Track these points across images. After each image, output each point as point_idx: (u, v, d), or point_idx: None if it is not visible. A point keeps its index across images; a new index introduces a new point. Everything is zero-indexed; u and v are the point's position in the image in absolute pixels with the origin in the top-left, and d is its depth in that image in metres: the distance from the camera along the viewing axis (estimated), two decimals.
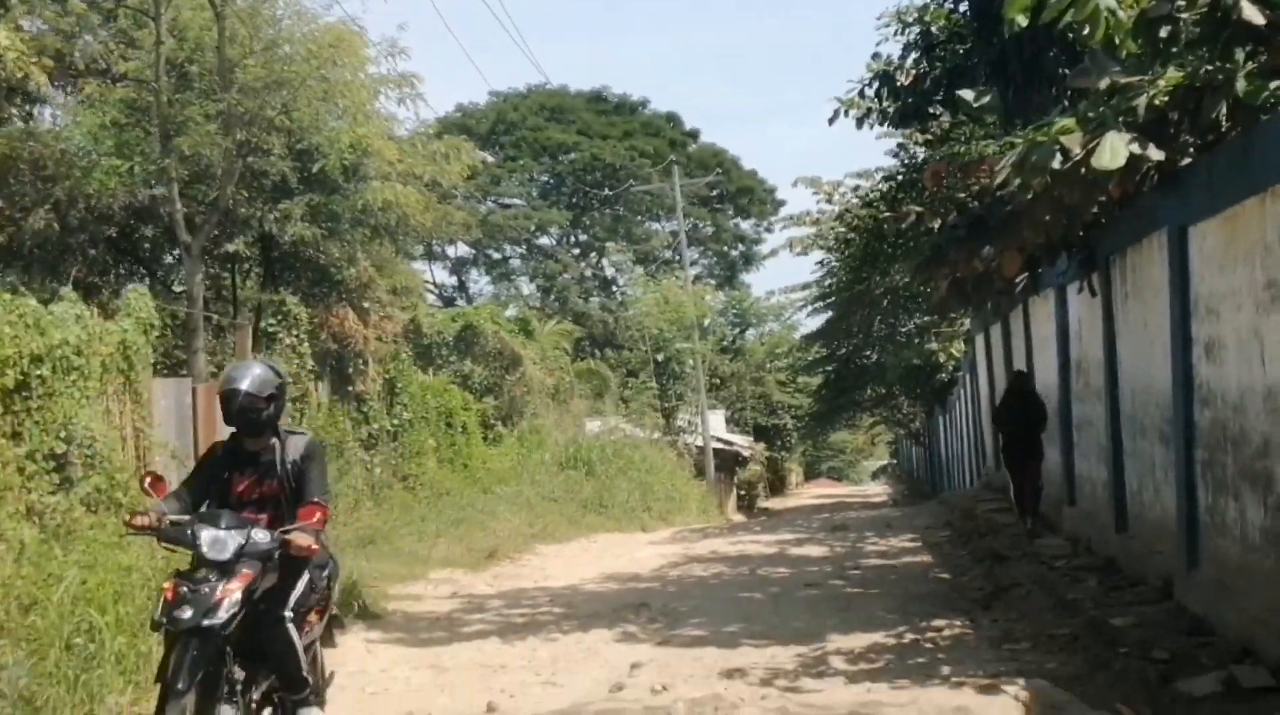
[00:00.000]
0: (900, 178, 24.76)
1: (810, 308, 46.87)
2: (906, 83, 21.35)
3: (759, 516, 51.45)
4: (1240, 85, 8.89)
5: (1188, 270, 11.09)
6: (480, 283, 70.09)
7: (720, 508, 45.70)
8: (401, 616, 13.80)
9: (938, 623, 11.63)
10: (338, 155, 21.47)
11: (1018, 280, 17.37)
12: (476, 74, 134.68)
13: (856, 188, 27.31)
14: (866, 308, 34.84)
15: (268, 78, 20.93)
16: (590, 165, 64.36)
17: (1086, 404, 16.17)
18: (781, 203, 71.03)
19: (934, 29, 20.95)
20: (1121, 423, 14.07)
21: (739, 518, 49.67)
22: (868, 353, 50.89)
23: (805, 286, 41.72)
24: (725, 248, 73.40)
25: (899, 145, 26.02)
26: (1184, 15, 9.29)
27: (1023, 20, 9.85)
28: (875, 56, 21.76)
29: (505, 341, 35.03)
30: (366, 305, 22.95)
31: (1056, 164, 9.54)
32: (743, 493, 58.05)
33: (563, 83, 70.72)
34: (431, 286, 68.31)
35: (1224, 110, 9.08)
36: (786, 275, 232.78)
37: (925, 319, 38.47)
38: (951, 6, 21.03)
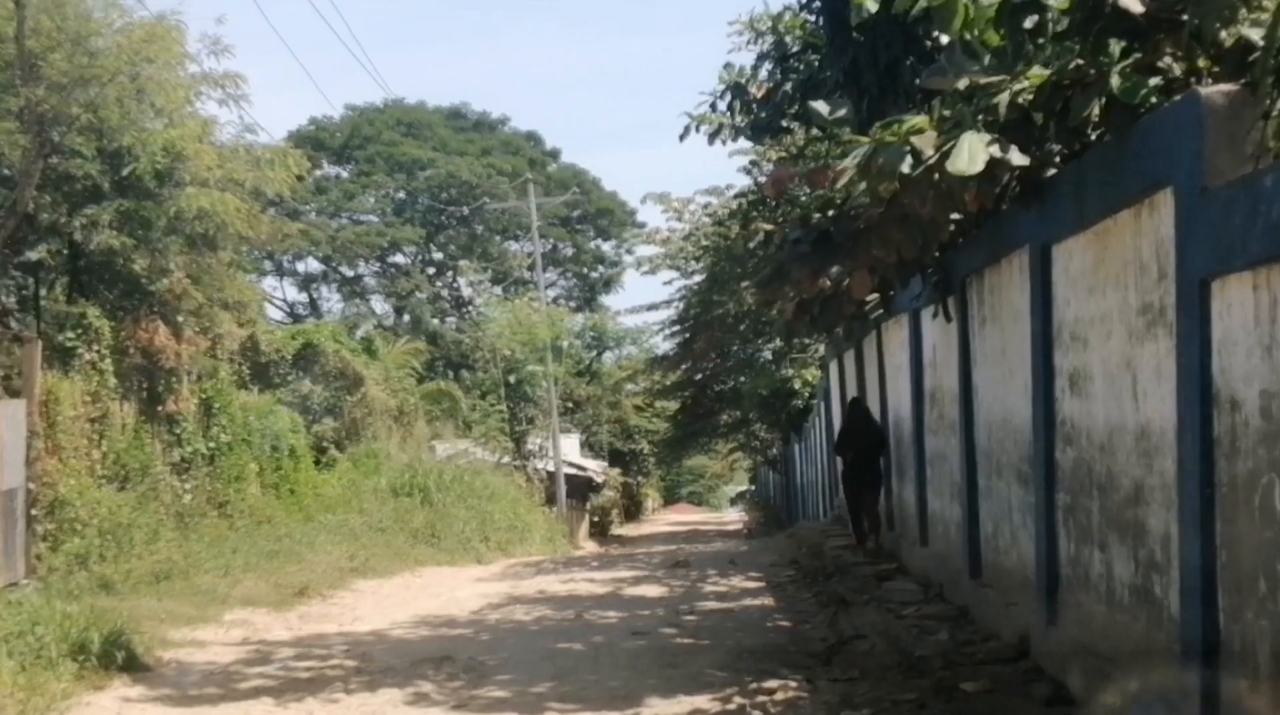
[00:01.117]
0: (752, 195, 23.66)
1: (666, 332, 45.90)
2: (759, 95, 20.24)
3: (611, 544, 50.31)
4: (1115, 82, 7.76)
5: (1051, 293, 9.99)
6: (332, 300, 68.28)
7: (571, 536, 44.40)
8: (175, 668, 12.26)
9: (771, 684, 10.33)
10: (149, 159, 19.91)
11: (869, 303, 16.28)
12: (337, 86, 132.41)
13: (707, 205, 26.23)
14: (720, 331, 33.73)
15: (74, 73, 19.37)
16: (446, 182, 62.84)
17: (940, 437, 15.07)
18: (642, 224, 70.17)
19: (788, 39, 19.86)
20: (977, 459, 12.97)
21: (590, 545, 48.43)
22: (724, 378, 50.01)
23: (653, 307, 40.51)
24: (585, 269, 72.19)
25: (751, 162, 24.91)
26: (1052, 2, 8.14)
27: (872, 6, 8.67)
28: (727, 67, 20.58)
29: (347, 361, 33.55)
30: (180, 319, 21.29)
31: (906, 168, 8.31)
32: (596, 519, 56.87)
33: (421, 98, 69.27)
34: (282, 303, 66.53)
35: (1095, 111, 7.94)
36: (648, 296, 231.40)
37: (779, 344, 37.48)
38: (806, 16, 19.98)
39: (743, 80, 20.29)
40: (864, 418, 21.45)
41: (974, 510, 13.11)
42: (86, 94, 19.48)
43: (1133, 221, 7.96)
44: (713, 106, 20.57)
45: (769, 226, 17.09)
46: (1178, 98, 7.31)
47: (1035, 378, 10.29)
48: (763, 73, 20.42)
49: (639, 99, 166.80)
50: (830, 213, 11.67)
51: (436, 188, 62.64)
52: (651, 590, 18.08)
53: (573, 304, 69.68)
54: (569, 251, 71.22)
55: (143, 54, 19.94)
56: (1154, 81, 7.86)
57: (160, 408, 21.40)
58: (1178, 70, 8.15)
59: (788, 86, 20.04)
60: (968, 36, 8.95)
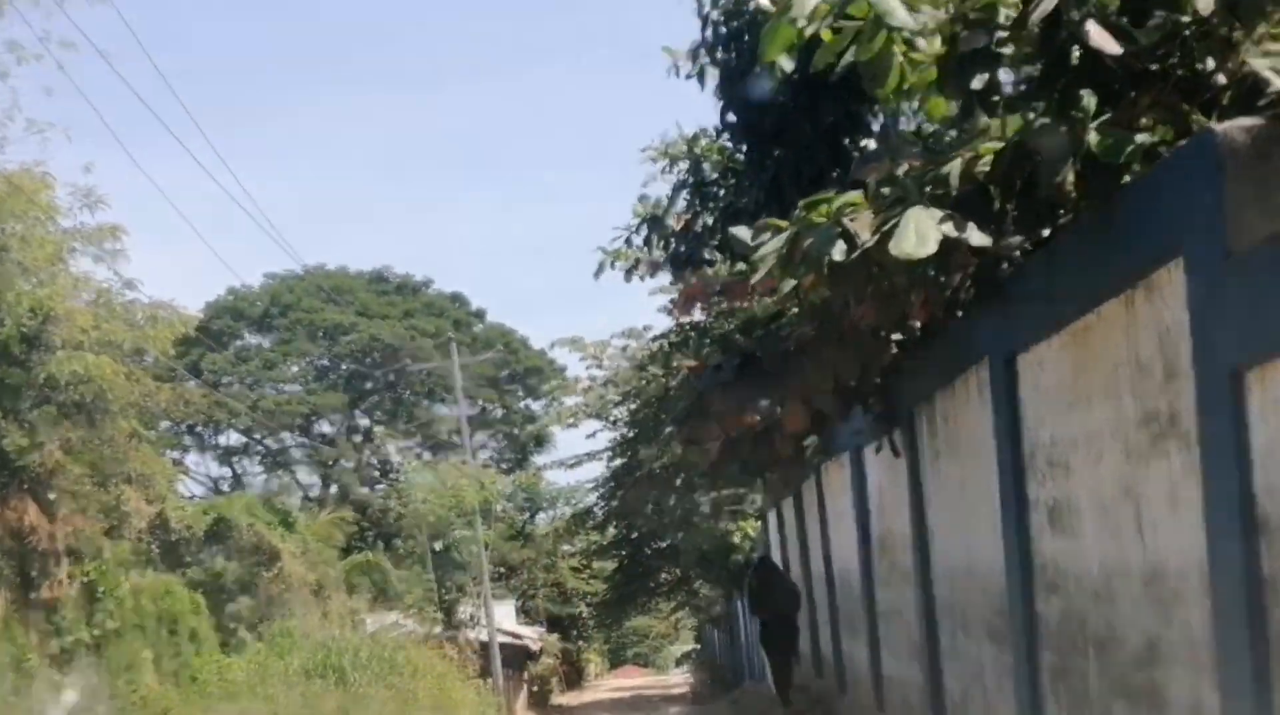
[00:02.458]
0: (673, 335, 22.09)
1: (599, 489, 44.21)
2: (678, 227, 18.81)
3: None
4: (1092, 139, 6.23)
5: (1019, 414, 8.42)
6: (255, 473, 66.17)
7: (506, 709, 42.20)
8: None
9: None
10: (15, 321, 18.22)
11: (807, 443, 14.69)
12: (255, 257, 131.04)
13: (625, 348, 24.61)
14: (650, 485, 31.98)
15: None
16: (368, 346, 61.18)
17: (893, 589, 13.39)
18: (562, 372, 68.63)
19: (704, 164, 18.47)
20: (937, 613, 11.31)
21: None
22: (661, 535, 48.29)
23: (577, 461, 38.56)
24: (515, 430, 70.43)
25: (670, 300, 23.30)
26: (1006, 51, 6.62)
27: (787, 64, 7.17)
28: (642, 199, 19.15)
29: (262, 535, 31.61)
30: (53, 497, 19.40)
31: (839, 255, 6.71)
32: (535, 688, 54.64)
33: (342, 265, 67.83)
34: (205, 479, 64.49)
35: (1070, 178, 6.40)
36: (580, 448, 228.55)
37: (716, 494, 35.71)
38: (722, 137, 18.62)
39: (659, 212, 18.86)
40: (773, 575, 21.98)
41: (937, 672, 11.42)
42: None
43: (1123, 312, 6.40)
44: (628, 241, 19.12)
45: (692, 362, 15.56)
46: (1183, 142, 5.80)
47: (1006, 515, 8.69)
48: (680, 203, 19.05)
49: (568, 263, 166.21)
50: (756, 333, 10.14)
51: (359, 352, 60.95)
52: None
53: (504, 466, 67.82)
54: (498, 413, 69.51)
55: (5, 207, 18.34)
56: (1141, 138, 6.34)
57: (33, 595, 19.47)
58: (1161, 134, 6.66)
59: (707, 217, 18.66)
60: (903, 106, 7.51)
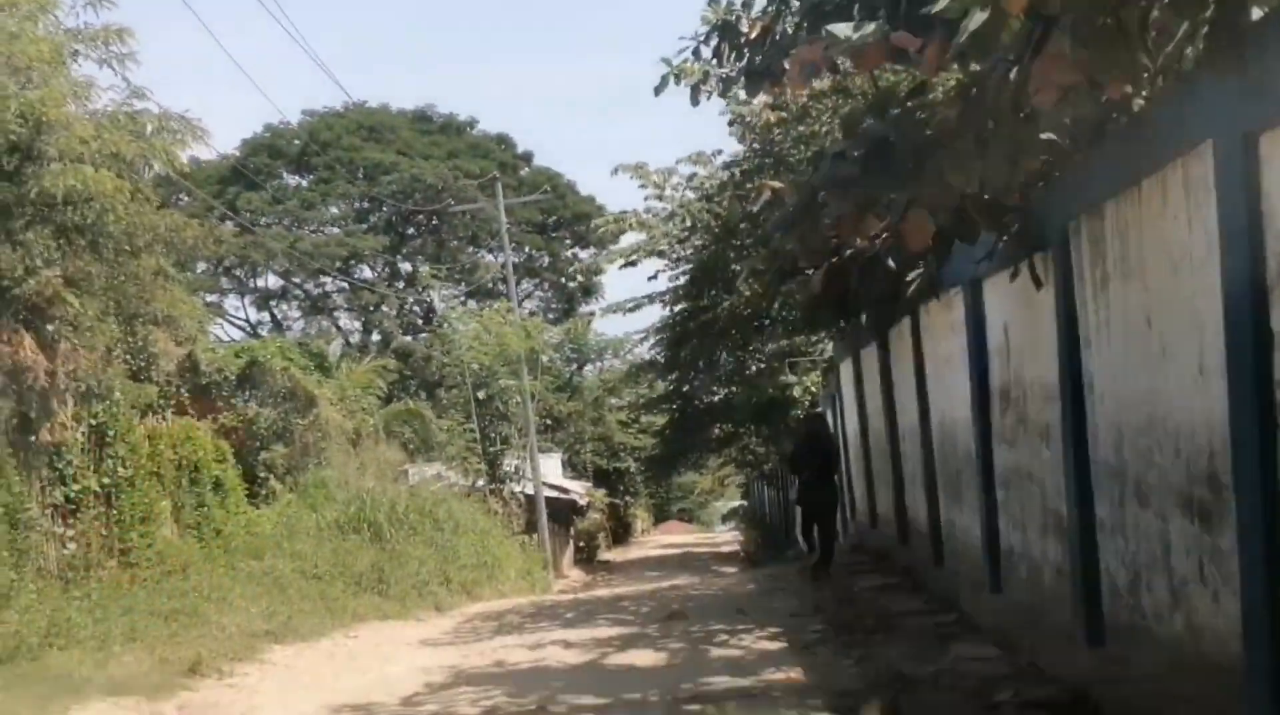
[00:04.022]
0: (747, 161, 19.71)
1: (650, 339, 42.11)
2: (753, 34, 16.33)
3: (598, 571, 46.60)
4: None
5: (1260, 210, 6.18)
6: (294, 318, 64.37)
7: (553, 565, 40.54)
8: None
9: None
10: (2, 129, 16.01)
11: (911, 277, 12.44)
12: (293, 95, 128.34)
13: (692, 177, 22.10)
14: (713, 334, 29.69)
15: None
16: (410, 187, 58.79)
17: (1022, 449, 11.18)
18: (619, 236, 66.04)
19: None
20: (1095, 478, 9.12)
21: (576, 574, 44.77)
22: (714, 388, 46.29)
23: (635, 305, 36.14)
24: (562, 279, 68.23)
25: (738, 118, 20.65)
26: None
27: None
28: (712, 3, 16.65)
29: (297, 380, 29.71)
30: (51, 329, 17.27)
31: None
32: (581, 544, 53.14)
33: (384, 101, 65.29)
34: (244, 324, 62.87)
35: None
36: (632, 292, 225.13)
37: (777, 345, 33.42)
38: None
39: (732, 17, 16.41)
40: (820, 432, 22.46)
41: (1089, 551, 9.26)
42: None
43: None
44: (695, 53, 16.65)
45: (777, 184, 13.26)
46: None
47: (1234, 351, 6.47)
48: (757, 5, 16.59)
49: (623, 118, 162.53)
50: (891, 113, 7.86)
51: (400, 193, 58.60)
52: (642, 657, 14.07)
53: (551, 316, 65.73)
54: (544, 261, 67.28)
55: None
56: None
57: (34, 438, 17.49)
58: None
59: (789, 22, 16.21)
60: None
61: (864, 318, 16.93)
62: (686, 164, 22.39)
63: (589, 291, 67.30)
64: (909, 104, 7.78)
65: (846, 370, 22.86)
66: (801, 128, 18.87)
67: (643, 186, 23.06)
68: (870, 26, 10.05)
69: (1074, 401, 9.33)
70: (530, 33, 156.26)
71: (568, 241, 67.98)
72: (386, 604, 21.79)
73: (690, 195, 21.74)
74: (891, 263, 11.08)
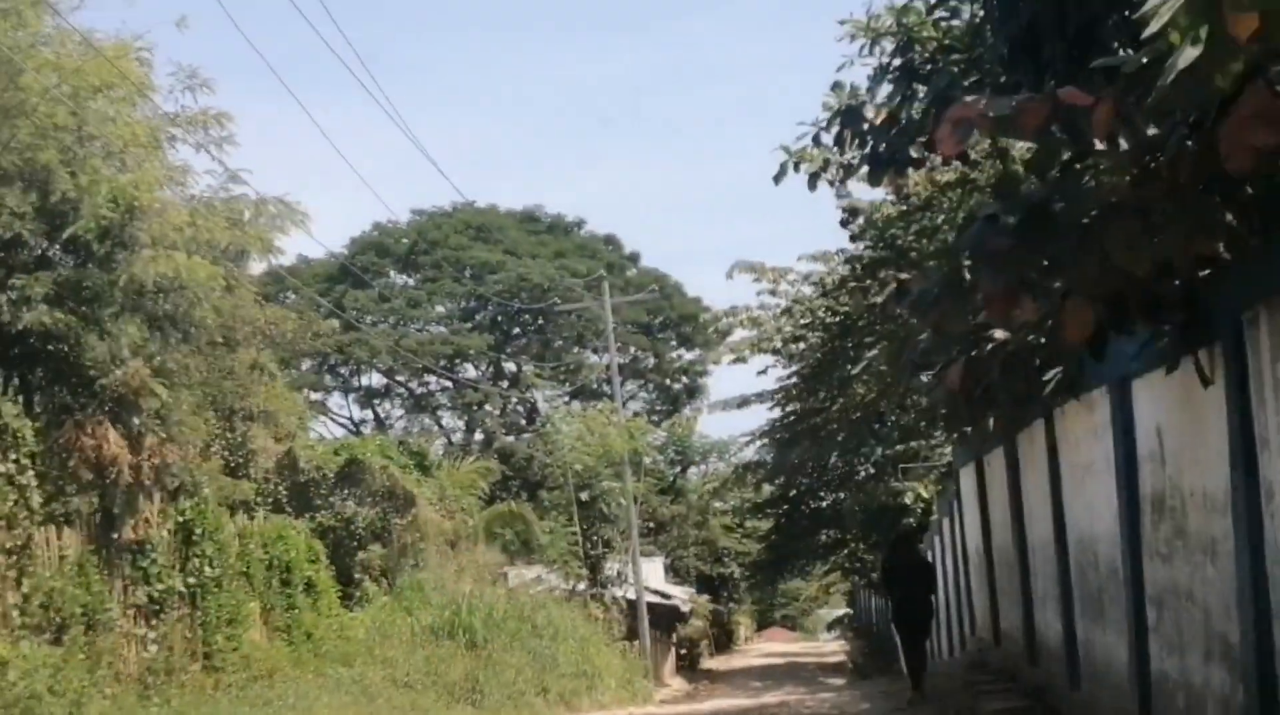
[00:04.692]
0: (867, 255, 18.74)
1: (755, 442, 41.08)
2: (878, 120, 15.43)
3: (701, 680, 45.34)
4: None
5: None
6: (397, 416, 63.99)
7: (654, 673, 39.32)
8: None
9: None
10: (93, 213, 15.45)
11: (1049, 376, 11.37)
12: (401, 196, 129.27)
13: (809, 275, 21.22)
14: (822, 437, 28.62)
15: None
16: (516, 286, 58.36)
17: (1181, 565, 10.04)
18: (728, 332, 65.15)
19: (917, 37, 15.05)
20: (1274, 598, 8.00)
21: (677, 682, 43.57)
22: (821, 493, 45.21)
23: (744, 402, 35.09)
24: (667, 381, 67.41)
25: (849, 214, 19.65)
26: None
27: None
28: (836, 87, 15.69)
29: (396, 479, 29.09)
30: (138, 421, 16.58)
31: None
32: (683, 652, 51.86)
33: (492, 202, 65.19)
34: (347, 422, 62.62)
35: None
36: (739, 390, 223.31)
37: (890, 450, 32.24)
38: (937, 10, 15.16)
39: (856, 102, 15.53)
40: (911, 553, 22.58)
41: (1269, 681, 8.13)
42: (14, 131, 15.13)
43: None
44: (816, 139, 15.76)
45: (904, 276, 12.32)
46: None
47: None
48: (882, 93, 15.72)
49: (733, 220, 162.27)
50: (1050, 176, 6.89)
51: (506, 292, 58.22)
52: None
53: (655, 418, 64.84)
54: (649, 362, 66.44)
55: (89, 82, 15.58)
56: None
57: (117, 535, 16.81)
58: None
59: (916, 106, 15.31)
60: None
61: (990, 421, 15.92)
62: (806, 261, 21.61)
63: (693, 393, 66.46)
64: (1076, 164, 6.82)
65: (968, 477, 21.70)
66: (924, 221, 17.98)
67: (757, 279, 22.25)
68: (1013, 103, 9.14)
69: (1249, 512, 8.24)
70: (639, 137, 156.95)
71: (673, 342, 67.19)
72: None
73: (807, 291, 20.89)
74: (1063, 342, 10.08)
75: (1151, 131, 6.68)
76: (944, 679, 21.80)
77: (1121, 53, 9.64)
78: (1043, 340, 9.70)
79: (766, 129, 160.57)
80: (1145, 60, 6.10)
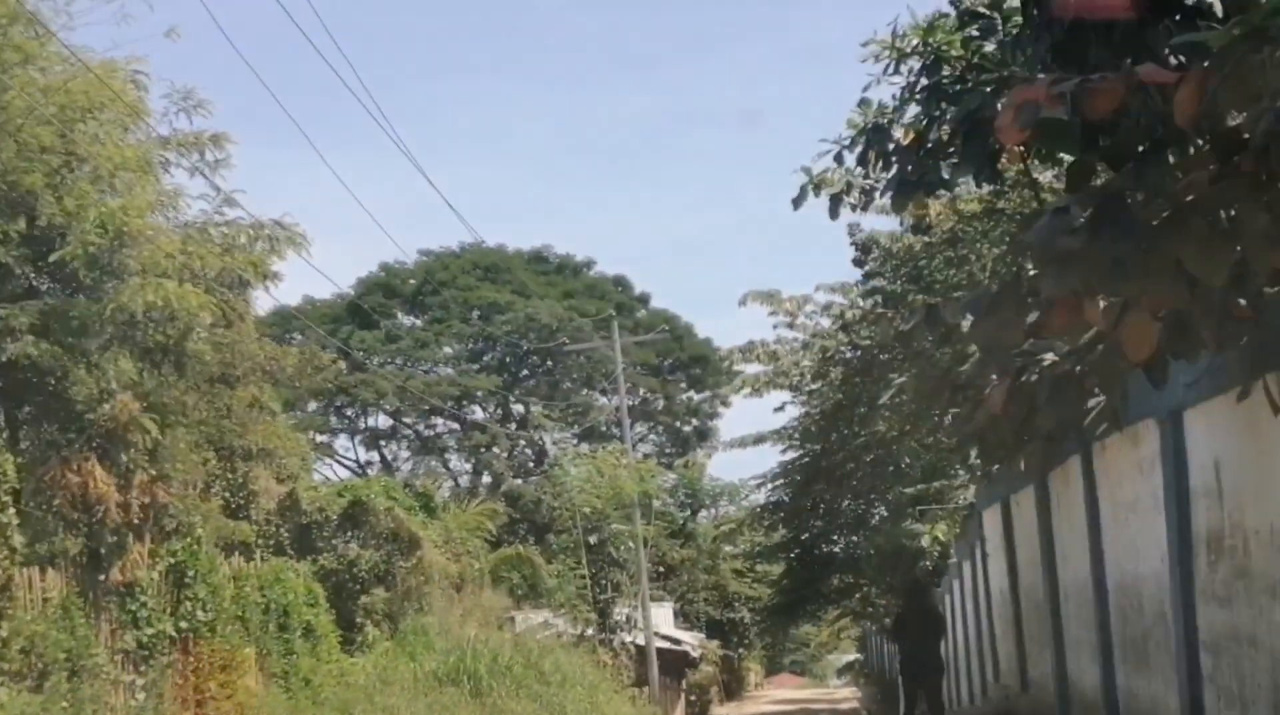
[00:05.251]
0: (888, 287, 18.00)
1: (769, 485, 40.38)
2: (906, 141, 14.68)
3: None
4: None
5: None
6: (404, 458, 63.26)
7: None
8: None
9: None
10: (80, 239, 14.74)
11: (1092, 403, 10.57)
12: (408, 235, 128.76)
13: (828, 306, 20.44)
14: (839, 476, 27.80)
15: None
16: (525, 326, 57.72)
17: (1243, 608, 9.27)
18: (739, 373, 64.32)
19: (945, 56, 14.31)
20: None
21: None
22: (835, 536, 44.35)
23: (760, 439, 34.33)
24: (676, 422, 66.67)
25: (863, 250, 18.94)
26: None
27: None
28: (862, 105, 14.97)
29: (401, 520, 28.32)
30: (126, 458, 15.78)
31: None
32: (693, 698, 50.94)
33: (500, 242, 64.67)
34: (353, 464, 61.91)
35: None
36: (745, 454, 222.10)
37: (908, 491, 31.38)
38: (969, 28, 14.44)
39: (883, 119, 14.79)
40: (925, 603, 23.22)
41: None
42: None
43: None
44: (838, 158, 15.00)
45: (933, 301, 11.56)
46: None
47: None
48: (908, 115, 14.98)
49: (744, 265, 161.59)
50: (1126, 165, 6.14)
51: (515, 333, 57.54)
52: None
53: (664, 460, 64.06)
54: (659, 404, 65.68)
55: (77, 102, 14.91)
56: None
57: (104, 577, 16.02)
58: None
59: (943, 129, 14.57)
60: None
61: (1022, 459, 15.15)
62: (824, 292, 20.85)
63: (704, 435, 65.73)
64: (1157, 152, 6.08)
65: (992, 518, 20.89)
66: (948, 252, 17.26)
67: (773, 313, 21.48)
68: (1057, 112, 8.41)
69: None
70: (648, 179, 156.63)
71: (683, 384, 66.49)
72: None
73: (825, 323, 20.12)
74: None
75: (1236, 120, 5.96)
76: None
77: (1172, 60, 8.93)
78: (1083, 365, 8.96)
79: (775, 167, 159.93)
80: (1237, 33, 5.38)
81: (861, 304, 19.13)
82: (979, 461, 18.87)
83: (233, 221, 17.46)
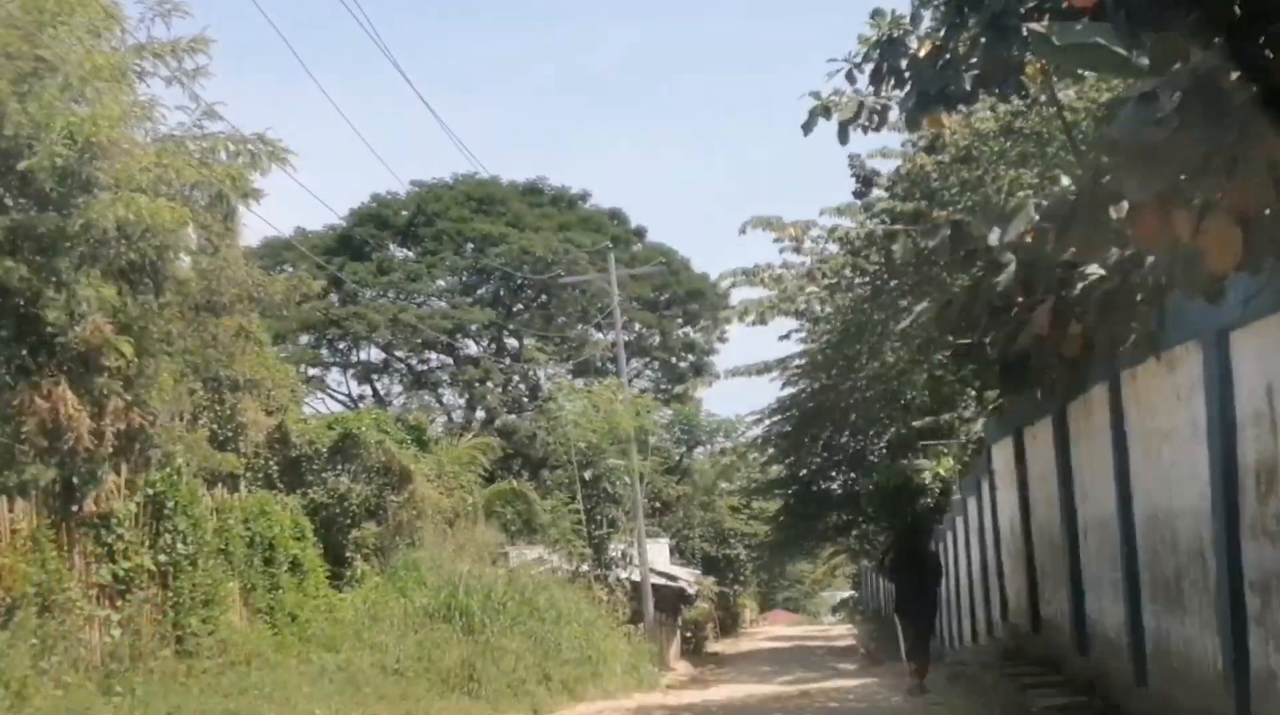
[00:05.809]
0: (898, 207, 17.17)
1: (766, 420, 39.77)
2: (923, 53, 13.79)
3: (707, 664, 43.89)
4: None
5: None
6: (396, 393, 62.41)
7: (660, 657, 37.82)
8: None
9: None
10: (47, 150, 13.89)
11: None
12: (402, 166, 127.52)
13: (834, 229, 19.57)
14: (843, 408, 27.00)
15: None
16: (519, 259, 56.75)
17: None
18: (729, 307, 63.31)
19: None
20: None
21: (683, 667, 42.07)
22: (833, 473, 43.82)
23: (764, 368, 33.52)
24: (672, 358, 65.78)
25: (864, 183, 18.04)
26: None
27: None
28: (875, 16, 14.09)
29: (392, 454, 27.59)
30: (101, 382, 14.97)
31: None
32: (689, 635, 50.43)
33: (495, 174, 63.52)
34: (345, 398, 61.12)
35: None
36: (741, 389, 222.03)
37: (911, 426, 30.63)
38: None
39: (898, 32, 13.91)
40: (918, 542, 23.60)
41: None
42: None
43: None
44: (849, 76, 14.12)
45: (959, 218, 10.74)
46: None
47: None
48: (925, 25, 14.09)
49: (744, 204, 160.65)
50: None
51: (509, 265, 56.64)
52: None
53: (660, 396, 63.25)
54: (655, 339, 64.76)
55: (46, 5, 14.03)
56: None
57: (76, 508, 15.27)
58: None
59: (963, 40, 13.68)
60: None
61: (1043, 387, 14.41)
62: (829, 215, 19.95)
63: (700, 371, 64.84)
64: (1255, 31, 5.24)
65: (1003, 452, 20.19)
66: (965, 173, 16.44)
67: (777, 240, 20.59)
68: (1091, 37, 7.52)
69: None
70: (646, 117, 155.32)
71: (679, 320, 65.55)
72: (476, 706, 19.29)
73: (832, 248, 19.26)
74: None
75: None
76: (977, 669, 20.32)
77: None
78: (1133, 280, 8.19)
79: (778, 107, 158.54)
80: None
81: (870, 226, 18.28)
82: (995, 392, 18.11)
83: (212, 135, 16.57)
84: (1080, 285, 8.04)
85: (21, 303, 14.49)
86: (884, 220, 17.72)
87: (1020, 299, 8.76)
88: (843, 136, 13.95)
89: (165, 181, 14.90)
